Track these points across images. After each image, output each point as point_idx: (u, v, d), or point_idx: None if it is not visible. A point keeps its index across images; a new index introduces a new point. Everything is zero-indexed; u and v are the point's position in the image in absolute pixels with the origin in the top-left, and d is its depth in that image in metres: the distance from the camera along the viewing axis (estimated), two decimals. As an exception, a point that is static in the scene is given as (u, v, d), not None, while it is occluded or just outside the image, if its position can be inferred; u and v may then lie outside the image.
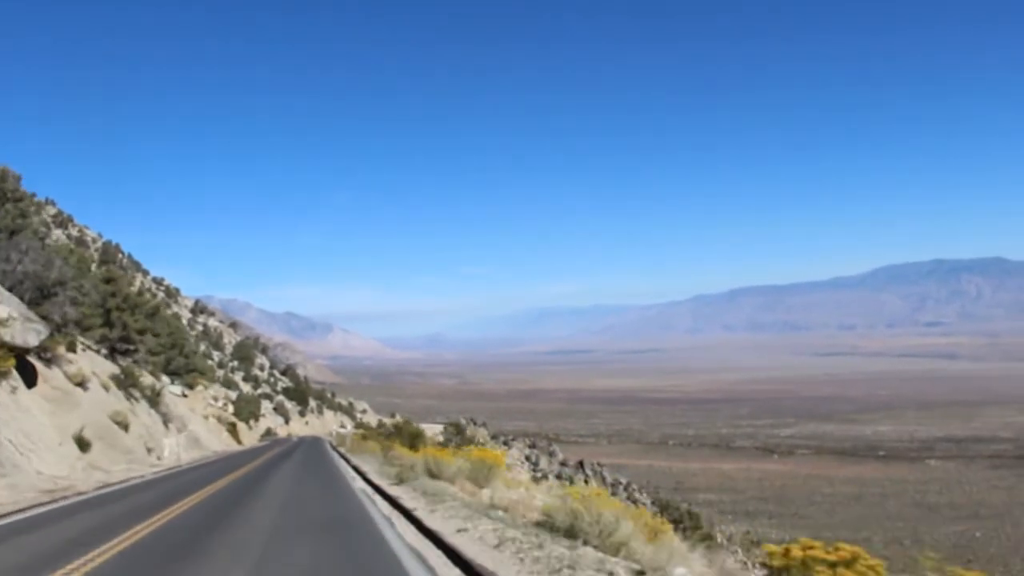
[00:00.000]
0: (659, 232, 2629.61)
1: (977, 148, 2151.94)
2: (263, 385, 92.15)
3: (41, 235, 29.59)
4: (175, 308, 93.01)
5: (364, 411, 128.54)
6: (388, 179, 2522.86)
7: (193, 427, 34.66)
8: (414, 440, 33.35)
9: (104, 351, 30.58)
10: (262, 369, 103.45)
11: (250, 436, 55.15)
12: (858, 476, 79.38)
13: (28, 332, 18.57)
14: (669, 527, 9.67)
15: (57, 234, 70.14)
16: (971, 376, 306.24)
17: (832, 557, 5.40)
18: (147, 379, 30.93)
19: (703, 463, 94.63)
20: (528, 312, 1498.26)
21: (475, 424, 64.45)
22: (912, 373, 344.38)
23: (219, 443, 40.24)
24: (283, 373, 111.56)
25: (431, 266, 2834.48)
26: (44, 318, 21.11)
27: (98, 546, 8.33)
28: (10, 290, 21.19)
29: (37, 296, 22.41)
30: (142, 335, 32.06)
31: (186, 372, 44.09)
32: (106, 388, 24.32)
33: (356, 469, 22.27)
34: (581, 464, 56.98)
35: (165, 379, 38.44)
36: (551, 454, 58.84)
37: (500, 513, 10.87)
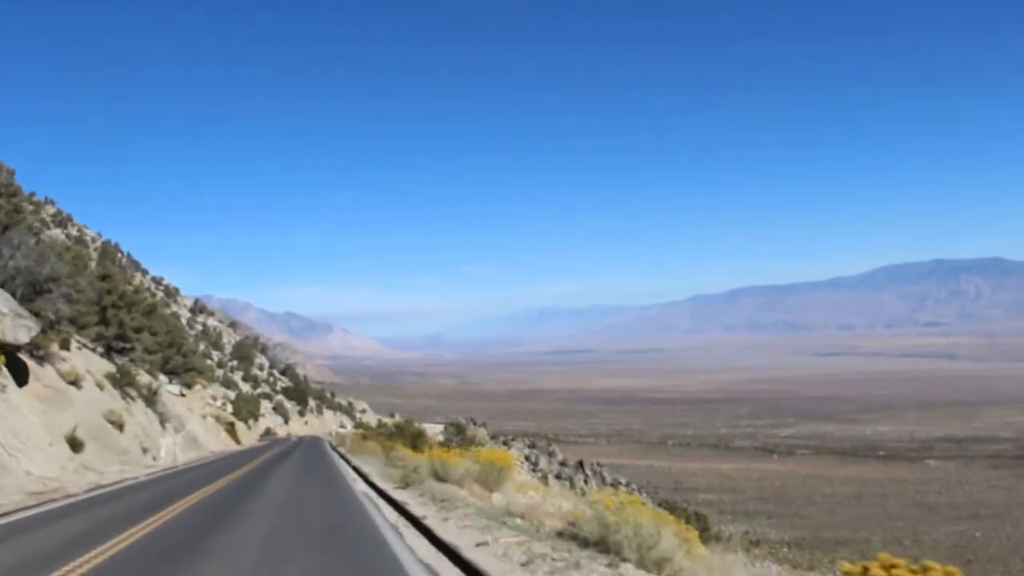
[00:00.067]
0: (659, 232, 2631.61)
1: (977, 148, 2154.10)
2: (262, 385, 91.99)
3: (36, 231, 29.24)
4: (174, 307, 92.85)
5: (364, 411, 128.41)
6: (388, 179, 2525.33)
7: (191, 427, 34.34)
8: (416, 440, 33.07)
9: (100, 349, 30.20)
10: (261, 369, 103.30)
11: (249, 436, 54.96)
12: (858, 476, 79.23)
13: (18, 329, 18.21)
14: (695, 534, 8.60)
15: (56, 233, 69.94)
16: (971, 376, 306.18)
17: None
18: (144, 378, 30.53)
19: (703, 463, 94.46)
20: (528, 312, 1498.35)
21: (475, 424, 64.28)
22: (912, 373, 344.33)
23: (217, 443, 39.99)
24: (283, 373, 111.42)
25: (431, 266, 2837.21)
26: (36, 315, 20.73)
27: (78, 556, 7.60)
28: (1, 286, 20.84)
29: (29, 292, 22.03)
30: (139, 333, 31.61)
31: (184, 371, 43.84)
32: (101, 387, 23.91)
33: (357, 470, 21.49)
34: (581, 464, 56.83)
35: (162, 378, 38.12)
36: (551, 454, 58.70)
37: (518, 521, 9.95)
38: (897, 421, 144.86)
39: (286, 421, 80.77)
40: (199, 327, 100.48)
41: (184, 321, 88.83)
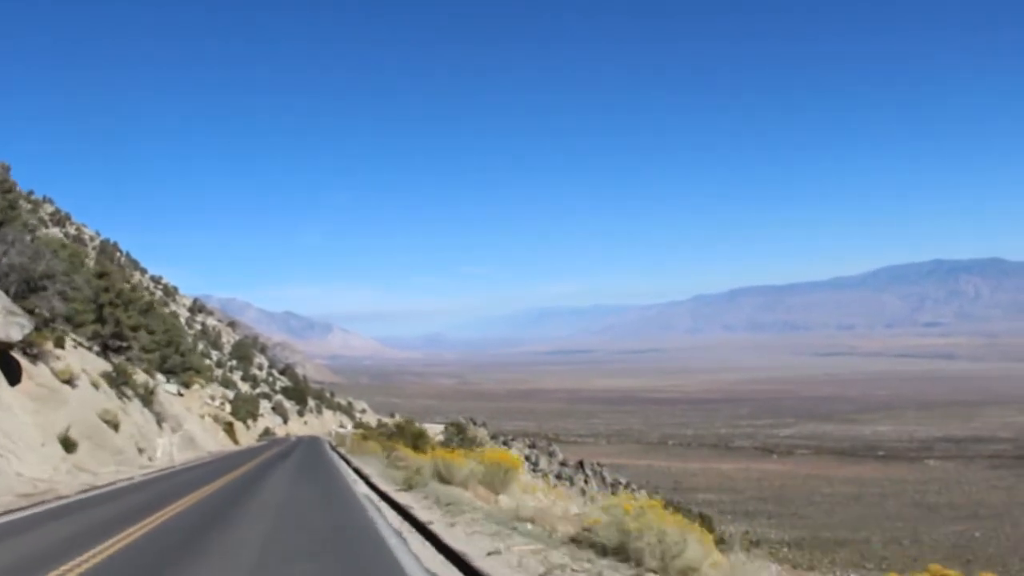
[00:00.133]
0: (659, 232, 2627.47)
1: (976, 149, 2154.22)
2: (261, 384, 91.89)
3: (31, 228, 28.98)
4: (173, 307, 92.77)
5: (363, 411, 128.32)
6: (388, 179, 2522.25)
7: (188, 427, 34.04)
8: (417, 441, 32.78)
9: (96, 348, 29.86)
10: (261, 368, 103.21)
11: (247, 436, 54.80)
12: (857, 476, 79.17)
13: (11, 326, 17.93)
14: (710, 538, 8.15)
15: (54, 232, 69.86)
16: (970, 376, 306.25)
17: None
18: (141, 377, 30.18)
19: (702, 463, 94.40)
20: (528, 312, 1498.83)
21: (475, 424, 64.23)
22: (911, 373, 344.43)
23: (215, 443, 39.77)
24: (282, 372, 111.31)
25: (431, 266, 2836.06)
26: (31, 312, 20.41)
27: (62, 564, 7.16)
28: (-7, 282, 20.54)
29: (23, 289, 21.73)
30: (136, 332, 31.20)
31: (182, 370, 43.61)
32: (96, 386, 23.58)
33: (358, 472, 20.86)
34: (581, 464, 56.78)
35: (160, 377, 37.83)
36: (551, 454, 58.66)
37: (529, 527, 9.37)
38: (897, 421, 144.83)
39: (285, 421, 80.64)
40: (198, 326, 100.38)
41: (183, 320, 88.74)
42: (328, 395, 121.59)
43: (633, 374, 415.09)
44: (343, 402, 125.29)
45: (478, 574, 6.77)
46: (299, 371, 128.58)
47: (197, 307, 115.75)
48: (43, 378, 20.00)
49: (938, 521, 53.89)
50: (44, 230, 54.29)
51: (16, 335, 18.21)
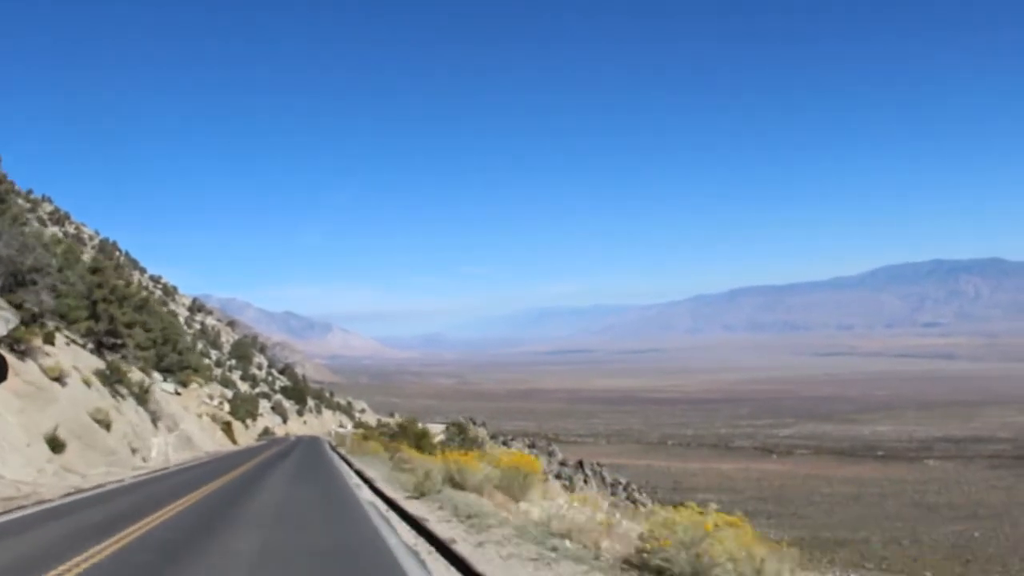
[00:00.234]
0: (659, 232, 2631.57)
1: (976, 149, 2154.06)
2: (261, 384, 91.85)
3: (22, 221, 28.51)
4: (172, 306, 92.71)
5: (363, 410, 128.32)
6: (388, 179, 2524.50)
7: (185, 426, 33.60)
8: (420, 441, 32.26)
9: (90, 345, 29.38)
10: (260, 368, 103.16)
11: (246, 436, 54.68)
12: (857, 476, 79.12)
13: (-6, 320, 17.12)
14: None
15: (53, 231, 69.76)
16: (970, 376, 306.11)
17: None
18: (136, 375, 29.68)
19: (702, 463, 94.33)
20: (528, 312, 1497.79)
21: (475, 424, 64.25)
22: (911, 373, 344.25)
23: (213, 443, 39.45)
24: (281, 372, 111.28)
25: (431, 266, 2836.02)
26: (18, 307, 19.77)
27: None
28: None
29: (10, 283, 20.91)
30: (130, 329, 30.46)
31: (179, 369, 43.35)
32: (88, 384, 22.91)
33: (360, 475, 19.60)
34: (581, 464, 56.82)
35: (157, 376, 37.48)
36: (551, 454, 58.68)
37: (568, 544, 8.06)
38: (896, 421, 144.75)
39: (284, 421, 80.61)
40: (197, 326, 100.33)
41: (182, 320, 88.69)
42: (327, 395, 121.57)
43: (633, 374, 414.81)
44: (342, 402, 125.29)
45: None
46: (298, 371, 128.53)
47: (196, 306, 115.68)
48: (31, 375, 19.25)
49: (937, 521, 53.83)
50: (38, 227, 53.90)
51: (0, 330, 17.52)
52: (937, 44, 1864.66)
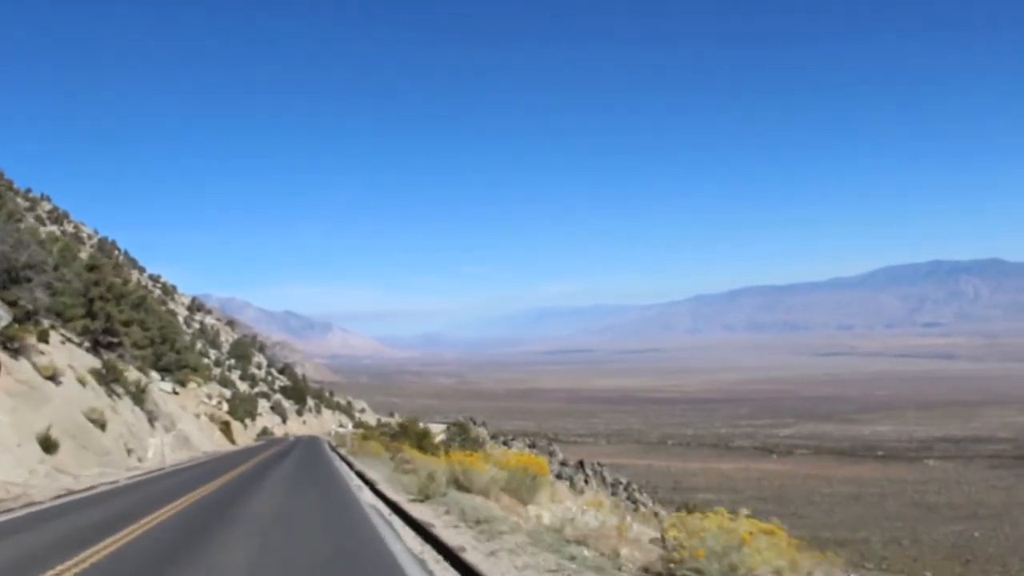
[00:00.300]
0: (659, 232, 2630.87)
1: (976, 149, 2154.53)
2: (260, 384, 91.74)
3: (18, 218, 28.19)
4: (171, 305, 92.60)
5: (363, 410, 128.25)
6: (388, 179, 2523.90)
7: (183, 426, 33.33)
8: (421, 441, 32.00)
9: (87, 344, 29.12)
10: (259, 368, 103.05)
11: (245, 436, 54.56)
12: (857, 476, 79.06)
13: (-15, 317, 16.75)
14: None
15: (52, 229, 69.66)
16: (970, 376, 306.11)
17: None
18: (133, 374, 29.42)
19: (702, 463, 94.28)
20: (528, 312, 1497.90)
21: (474, 423, 64.22)
22: (911, 373, 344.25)
23: (211, 443, 39.21)
24: (281, 372, 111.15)
25: (430, 266, 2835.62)
26: (12, 304, 19.50)
27: None
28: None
29: (4, 279, 20.61)
30: (127, 327, 30.07)
31: (177, 368, 43.14)
32: (83, 383, 22.57)
33: (361, 476, 18.97)
34: (581, 464, 56.71)
35: (154, 375, 37.31)
36: (551, 453, 58.57)
37: (585, 553, 7.50)
38: (896, 421, 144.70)
39: (284, 420, 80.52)
40: (196, 325, 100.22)
41: (181, 319, 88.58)
42: (327, 394, 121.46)
43: (633, 374, 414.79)
44: (342, 401, 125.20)
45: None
46: (298, 370, 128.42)
47: (196, 306, 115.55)
48: (24, 374, 18.85)
49: (937, 521, 53.78)
50: (34, 223, 53.67)
51: (-10, 327, 17.09)
52: (937, 44, 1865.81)
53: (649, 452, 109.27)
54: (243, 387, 79.48)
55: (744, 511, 6.53)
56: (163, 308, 72.09)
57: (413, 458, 20.73)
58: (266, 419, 73.98)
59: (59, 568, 7.00)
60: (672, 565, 6.10)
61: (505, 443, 60.67)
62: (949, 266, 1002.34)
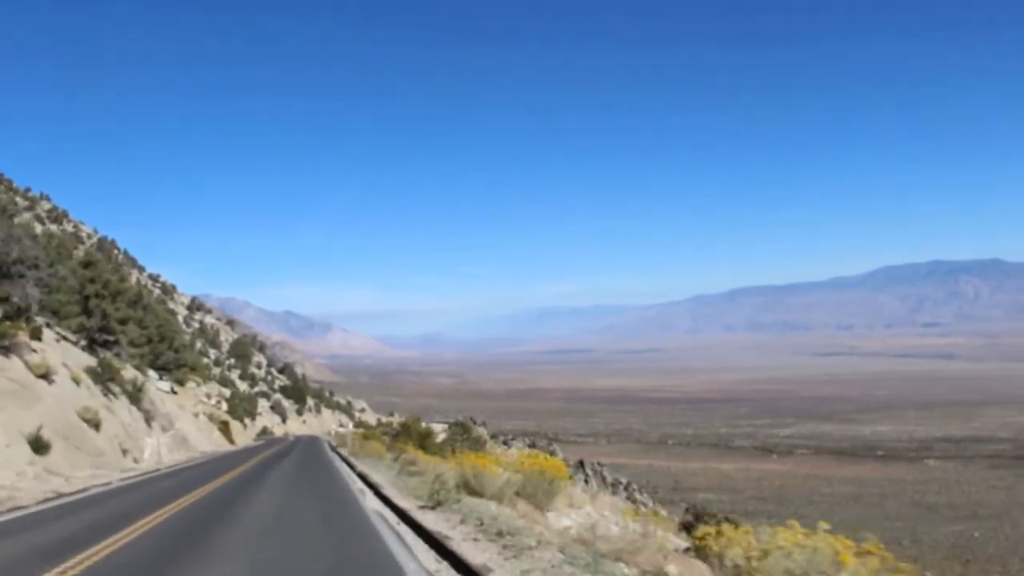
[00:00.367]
0: (659, 232, 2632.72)
1: (976, 149, 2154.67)
2: (260, 383, 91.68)
3: (11, 213, 27.84)
4: (171, 305, 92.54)
5: (363, 410, 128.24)
6: (388, 179, 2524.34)
7: (181, 426, 33.01)
8: (424, 441, 31.69)
9: (83, 342, 28.77)
10: (259, 367, 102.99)
11: (244, 435, 54.47)
12: (857, 476, 79.02)
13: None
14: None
15: (51, 228, 69.57)
16: (969, 376, 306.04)
17: None
18: (129, 373, 29.08)
19: (702, 463, 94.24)
20: (528, 312, 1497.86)
21: (474, 423, 64.15)
22: (910, 373, 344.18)
23: (209, 443, 38.97)
24: (281, 371, 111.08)
25: (430, 265, 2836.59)
26: (3, 300, 19.05)
27: None
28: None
29: None
30: (124, 325, 29.62)
31: (176, 367, 42.92)
32: (77, 381, 22.17)
33: (364, 478, 18.14)
34: (581, 464, 56.59)
35: (152, 374, 37.12)
36: (552, 453, 58.53)
37: (626, 571, 6.74)
38: (896, 421, 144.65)
39: (284, 420, 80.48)
40: (196, 325, 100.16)
41: (181, 319, 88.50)
42: (327, 394, 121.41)
43: (633, 374, 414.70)
44: (342, 401, 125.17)
45: None
46: (298, 370, 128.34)
47: (195, 305, 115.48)
48: (15, 372, 18.39)
49: (937, 521, 53.73)
50: (28, 217, 53.37)
51: (-22, 325, 16.70)
52: (937, 44, 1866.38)
53: (649, 452, 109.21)
54: (243, 387, 79.43)
55: (823, 524, 5.63)
56: (162, 307, 72.01)
57: (418, 459, 20.09)
58: (266, 419, 73.94)
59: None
60: None
61: (505, 443, 60.65)
62: (949, 266, 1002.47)
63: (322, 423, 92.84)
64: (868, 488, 70.40)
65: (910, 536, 48.49)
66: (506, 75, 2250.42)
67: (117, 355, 29.10)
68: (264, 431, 66.55)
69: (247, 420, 60.80)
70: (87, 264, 30.55)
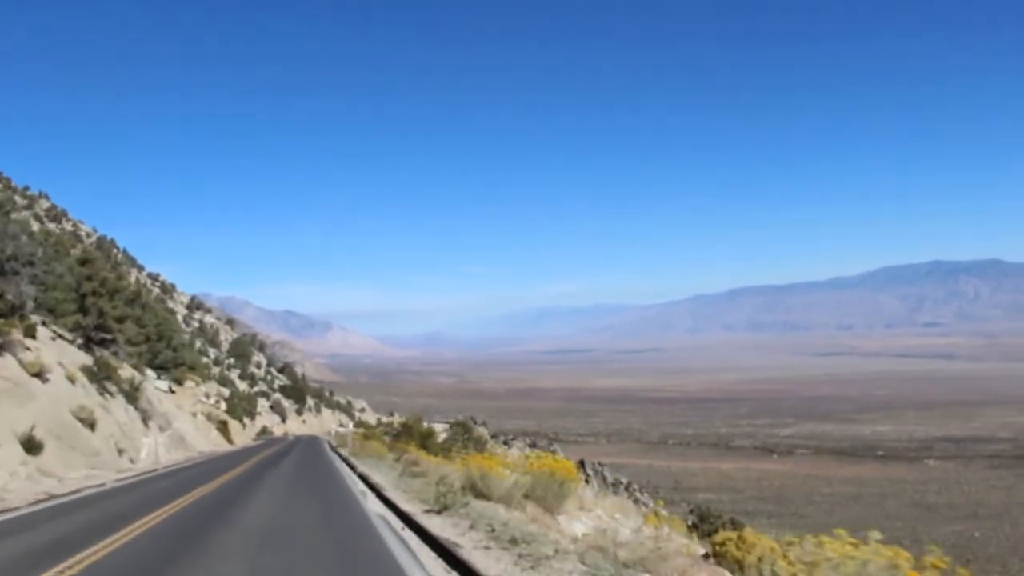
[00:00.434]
0: (659, 232, 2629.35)
1: (976, 149, 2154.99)
2: (260, 383, 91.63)
3: (6, 209, 27.57)
4: (170, 304, 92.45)
5: (363, 409, 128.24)
6: (388, 179, 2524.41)
7: (179, 425, 32.79)
8: (426, 441, 31.58)
9: (79, 340, 28.53)
10: (259, 367, 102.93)
11: (243, 435, 54.37)
12: (857, 476, 78.97)
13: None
14: None
15: (51, 227, 69.46)
16: (969, 376, 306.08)
17: None
18: (127, 372, 28.89)
19: (702, 462, 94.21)
20: (528, 311, 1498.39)
21: (475, 423, 64.07)
22: (910, 373, 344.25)
23: (208, 443, 38.79)
24: (280, 371, 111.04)
25: (430, 265, 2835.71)
26: None
27: None
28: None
29: None
30: (121, 323, 29.37)
31: (174, 366, 42.73)
32: (72, 380, 21.95)
33: (365, 480, 17.66)
34: (582, 463, 56.44)
35: (150, 373, 36.93)
36: (552, 453, 58.48)
37: None
38: (896, 421, 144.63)
39: (283, 420, 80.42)
40: (196, 324, 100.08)
41: (180, 318, 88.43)
42: (327, 394, 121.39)
43: (633, 374, 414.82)
44: (342, 401, 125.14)
45: None
46: (298, 369, 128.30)
47: (195, 304, 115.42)
48: (8, 370, 18.19)
49: (938, 521, 53.68)
50: (22, 216, 53.06)
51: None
52: (937, 44, 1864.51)
53: (649, 452, 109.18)
54: (242, 386, 79.36)
55: (875, 534, 5.16)
56: (161, 306, 71.92)
57: (421, 460, 19.67)
58: (265, 418, 73.88)
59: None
60: None
61: (505, 443, 60.58)
62: (949, 266, 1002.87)
63: (322, 423, 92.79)
64: (868, 488, 70.35)
65: (910, 536, 48.36)
66: (506, 75, 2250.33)
67: (114, 354, 28.90)
68: (263, 431, 66.47)
69: (246, 420, 60.71)
70: (84, 262, 30.21)
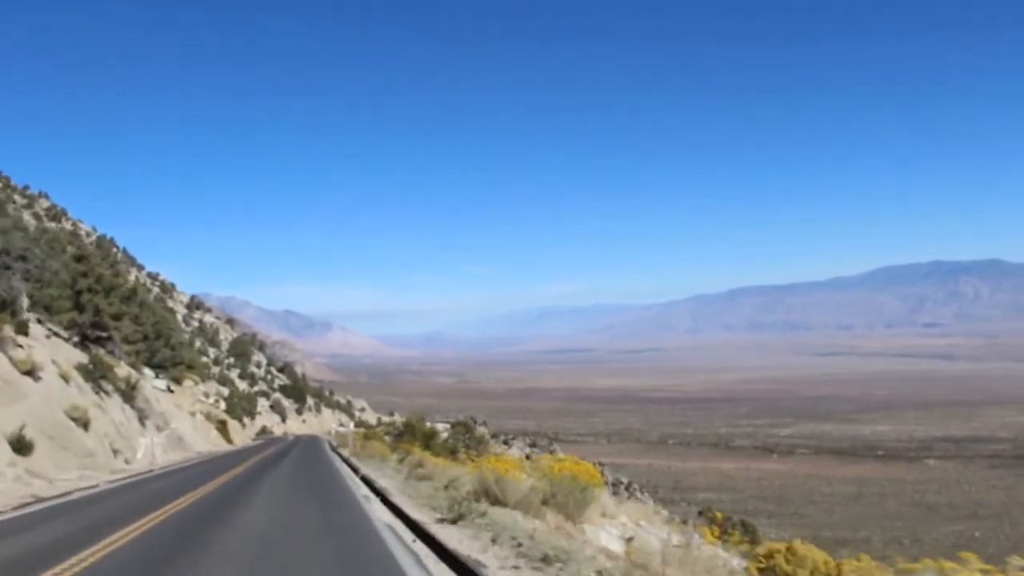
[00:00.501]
0: (659, 232, 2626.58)
1: (976, 149, 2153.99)
2: (260, 382, 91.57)
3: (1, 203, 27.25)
4: (170, 303, 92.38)
5: (363, 409, 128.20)
6: (388, 179, 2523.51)
7: (177, 425, 32.49)
8: (428, 441, 31.39)
9: (75, 338, 28.21)
10: (259, 366, 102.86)
11: (243, 435, 54.28)
12: (857, 476, 78.90)
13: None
14: None
15: (50, 227, 69.33)
16: (969, 376, 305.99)
17: None
18: (123, 370, 28.59)
19: (702, 462, 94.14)
20: (528, 311, 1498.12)
21: (475, 423, 64.02)
22: (910, 373, 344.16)
23: (206, 443, 38.51)
24: (280, 370, 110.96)
25: (430, 265, 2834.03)
26: None
27: None
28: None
29: None
30: (118, 320, 29.08)
31: (172, 365, 42.51)
32: (66, 379, 21.59)
33: (368, 483, 16.81)
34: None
35: (147, 372, 36.66)
36: (552, 453, 58.47)
37: None
38: (896, 421, 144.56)
39: (283, 419, 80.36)
40: (195, 323, 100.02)
41: (180, 317, 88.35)
42: (327, 393, 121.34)
43: (633, 373, 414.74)
44: (342, 400, 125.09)
45: None
46: (298, 369, 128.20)
47: (195, 304, 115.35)
48: None
49: (938, 521, 53.64)
50: (16, 212, 52.91)
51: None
52: (937, 44, 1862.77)
53: (649, 451, 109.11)
54: (242, 386, 79.29)
55: (971, 556, 4.54)
56: (161, 306, 71.85)
57: (426, 462, 18.85)
58: (265, 418, 73.82)
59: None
60: None
61: (506, 442, 60.60)
62: (949, 266, 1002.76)
63: (322, 422, 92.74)
64: (868, 488, 70.29)
65: (910, 535, 48.39)
66: (506, 75, 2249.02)
67: (110, 352, 28.61)
68: (263, 430, 66.40)
69: (246, 419, 60.63)
70: (80, 258, 29.80)
